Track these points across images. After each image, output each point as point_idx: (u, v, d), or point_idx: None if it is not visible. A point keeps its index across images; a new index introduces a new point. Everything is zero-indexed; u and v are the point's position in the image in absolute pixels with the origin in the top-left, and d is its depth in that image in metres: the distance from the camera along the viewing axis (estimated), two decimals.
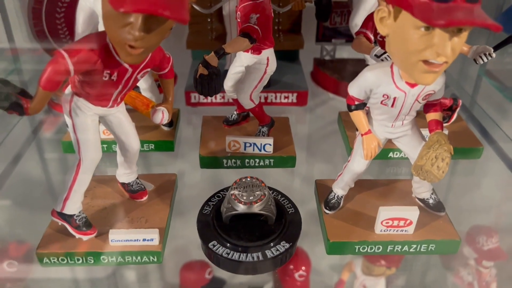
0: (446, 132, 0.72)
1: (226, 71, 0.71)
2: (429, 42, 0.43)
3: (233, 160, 0.69)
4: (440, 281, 1.29)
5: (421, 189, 0.59)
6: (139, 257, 0.54)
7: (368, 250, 0.57)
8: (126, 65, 0.48)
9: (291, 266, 1.14)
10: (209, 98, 0.83)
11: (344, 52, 1.01)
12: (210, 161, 0.70)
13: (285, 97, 0.86)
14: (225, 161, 0.69)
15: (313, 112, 0.87)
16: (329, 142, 0.78)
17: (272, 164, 0.70)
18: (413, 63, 0.45)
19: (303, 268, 1.12)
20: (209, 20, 0.89)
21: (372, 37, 0.67)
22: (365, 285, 1.21)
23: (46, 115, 0.87)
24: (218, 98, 0.83)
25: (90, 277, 0.57)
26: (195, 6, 0.78)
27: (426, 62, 0.45)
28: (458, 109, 0.75)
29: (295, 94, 0.86)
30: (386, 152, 0.71)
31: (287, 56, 0.93)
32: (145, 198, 0.61)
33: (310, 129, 0.84)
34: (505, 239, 0.72)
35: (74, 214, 0.54)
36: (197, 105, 0.85)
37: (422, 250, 0.56)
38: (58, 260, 0.53)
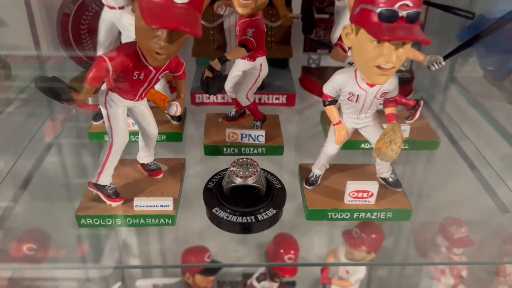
0: (409, 127, 0.87)
1: (227, 75, 0.86)
2: (380, 52, 0.58)
3: (231, 149, 0.83)
4: (416, 267, 1.45)
5: (383, 169, 0.73)
6: (157, 220, 0.68)
7: (339, 216, 0.70)
8: (151, 68, 0.62)
9: (282, 250, 1.28)
10: (211, 97, 0.97)
11: (328, 61, 1.16)
12: (212, 149, 0.84)
13: (276, 98, 0.99)
14: (225, 149, 0.84)
15: (300, 112, 1.01)
16: (312, 135, 0.92)
17: (264, 152, 0.84)
18: (369, 68, 0.60)
19: (292, 252, 1.27)
20: (211, 32, 1.03)
21: (347, 48, 0.82)
22: (348, 270, 1.36)
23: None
24: (219, 98, 0.98)
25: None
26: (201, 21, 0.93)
27: (378, 67, 0.59)
28: (420, 108, 0.89)
29: (284, 96, 1.00)
30: (358, 143, 0.85)
31: (278, 64, 1.07)
32: (160, 176, 0.75)
33: (297, 125, 0.99)
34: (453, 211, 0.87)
35: (106, 185, 0.68)
36: (201, 104, 0.99)
37: (381, 217, 0.70)
38: (92, 221, 0.67)
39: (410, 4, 0.54)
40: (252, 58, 0.79)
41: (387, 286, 1.39)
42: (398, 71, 1.05)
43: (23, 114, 1.00)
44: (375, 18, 0.55)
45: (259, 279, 1.27)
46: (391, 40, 0.55)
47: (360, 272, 1.23)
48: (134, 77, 0.61)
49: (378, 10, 0.54)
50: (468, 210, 0.85)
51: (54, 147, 0.89)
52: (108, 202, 0.68)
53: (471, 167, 0.86)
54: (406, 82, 1.05)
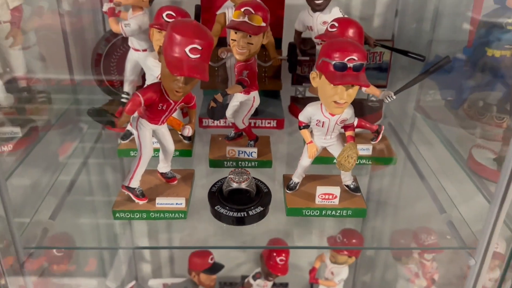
0: (371, 147, 1.09)
1: (227, 104, 1.08)
2: (336, 92, 0.79)
3: (230, 162, 1.02)
4: (392, 272, 1.67)
5: (346, 178, 0.94)
6: (172, 214, 0.88)
7: (311, 213, 0.91)
8: (171, 101, 0.83)
9: (274, 254, 1.50)
10: (215, 122, 1.19)
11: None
12: (215, 163, 1.03)
13: (268, 123, 1.18)
14: (225, 162, 1.02)
15: (287, 134, 1.20)
16: (296, 153, 1.13)
17: (256, 165, 1.03)
18: (329, 102, 0.81)
19: (283, 254, 1.48)
20: (216, 69, 1.25)
21: None
22: (332, 272, 1.58)
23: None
24: (221, 122, 1.18)
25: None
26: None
27: (335, 102, 0.80)
28: (381, 132, 1.10)
29: (275, 121, 1.18)
30: (331, 159, 1.07)
31: (270, 94, 1.26)
32: (175, 182, 0.95)
33: (284, 145, 1.17)
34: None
35: (135, 187, 0.88)
36: (207, 127, 1.20)
37: (343, 214, 0.90)
38: (124, 215, 0.88)
39: (356, 58, 0.76)
40: (247, 92, 1.00)
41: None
42: (370, 101, 1.29)
43: (61, 135, 1.23)
44: (331, 68, 0.77)
45: (254, 277, 1.47)
46: (341, 85, 0.77)
47: (343, 273, 1.42)
48: (158, 108, 0.83)
49: (333, 62, 0.77)
50: (415, 210, 1.06)
51: (89, 162, 1.12)
52: (136, 201, 0.89)
53: (421, 178, 1.08)
54: (376, 110, 1.26)
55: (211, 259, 1.44)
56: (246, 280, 1.50)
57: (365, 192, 0.96)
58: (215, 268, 1.45)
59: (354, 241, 1.30)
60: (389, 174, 1.11)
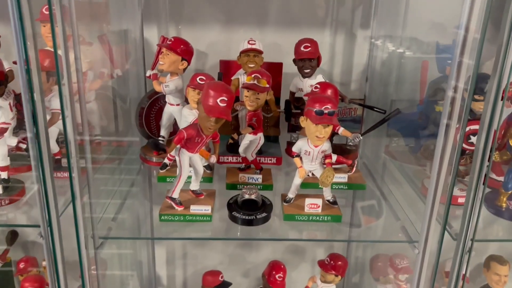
0: (347, 176, 1.44)
1: (238, 142, 1.43)
2: (317, 129, 1.15)
3: (242, 185, 1.34)
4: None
5: (326, 194, 1.28)
6: (201, 218, 1.20)
7: (301, 218, 1.24)
8: (204, 136, 1.18)
9: (274, 272, 1.82)
10: (230, 159, 1.55)
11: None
12: (231, 186, 1.33)
13: (269, 160, 1.43)
14: (238, 186, 1.35)
15: (284, 168, 1.53)
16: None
17: (261, 188, 1.29)
18: (312, 137, 1.17)
19: (281, 273, 1.80)
20: (232, 119, 1.63)
21: None
22: None
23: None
24: (234, 159, 1.55)
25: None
26: None
27: (316, 136, 1.17)
28: (355, 166, 1.46)
29: (275, 158, 1.43)
30: (317, 184, 1.41)
31: (271, 139, 1.52)
32: (202, 197, 1.27)
33: (282, 176, 1.49)
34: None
35: (176, 198, 1.23)
36: (223, 163, 1.55)
37: (325, 219, 1.24)
38: (167, 217, 1.21)
39: (329, 107, 1.13)
40: (255, 133, 1.27)
41: None
42: (348, 146, 1.66)
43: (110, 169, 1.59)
44: (313, 113, 1.14)
45: None
46: (320, 124, 1.14)
47: None
48: (195, 141, 1.18)
49: (314, 109, 1.13)
50: (378, 226, 1.39)
51: (135, 186, 1.47)
52: (176, 207, 1.23)
53: (385, 200, 1.42)
54: (353, 151, 1.62)
55: (221, 277, 1.75)
56: None
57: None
58: (224, 285, 1.75)
59: (339, 263, 1.61)
60: (358, 197, 1.46)
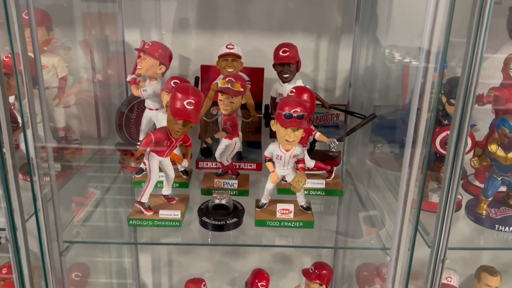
0: (324, 181, 1.42)
1: (213, 147, 1.43)
2: (286, 133, 1.13)
3: (217, 191, 1.38)
4: None
5: (300, 199, 1.26)
6: (171, 222, 1.19)
7: (273, 224, 1.22)
8: (174, 139, 1.16)
9: (257, 280, 1.79)
10: (208, 164, 1.54)
11: None
12: (206, 191, 1.32)
13: (249, 165, 1.43)
14: (213, 191, 1.34)
15: (263, 174, 1.55)
16: None
17: (236, 194, 1.29)
18: (283, 141, 1.15)
19: (264, 281, 1.77)
20: (211, 124, 1.59)
21: None
22: None
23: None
24: (213, 165, 1.54)
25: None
26: (204, 118, 1.54)
27: (286, 140, 1.15)
28: (334, 171, 1.43)
29: (255, 164, 1.43)
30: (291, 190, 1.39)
31: (252, 144, 1.54)
32: (174, 202, 1.26)
33: (262, 182, 1.52)
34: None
35: (145, 202, 1.21)
36: (202, 168, 1.55)
37: (297, 225, 1.22)
38: (136, 222, 1.19)
39: (299, 110, 1.12)
40: (230, 138, 1.28)
41: None
42: (330, 152, 1.63)
43: (87, 174, 1.58)
44: (282, 117, 1.13)
45: None
46: (289, 127, 1.13)
47: None
48: (164, 144, 1.19)
49: (284, 113, 1.12)
50: (354, 233, 1.36)
51: (112, 188, 1.46)
52: (145, 212, 1.21)
53: (364, 207, 1.39)
54: (335, 157, 1.60)
55: (204, 285, 1.72)
56: None
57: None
58: None
59: (324, 272, 1.58)
60: (336, 202, 1.43)
